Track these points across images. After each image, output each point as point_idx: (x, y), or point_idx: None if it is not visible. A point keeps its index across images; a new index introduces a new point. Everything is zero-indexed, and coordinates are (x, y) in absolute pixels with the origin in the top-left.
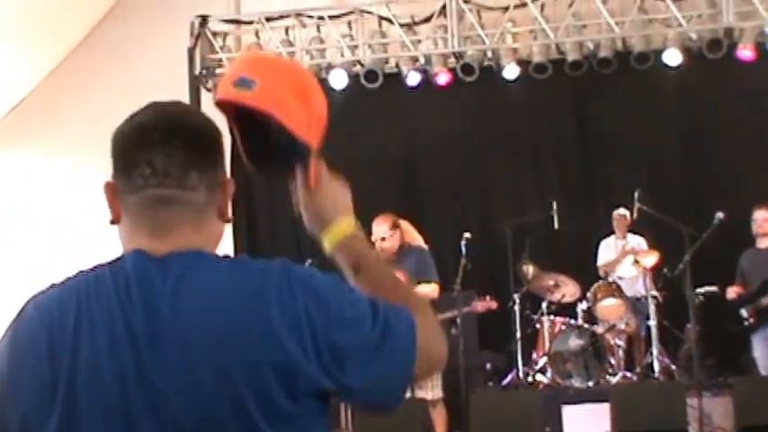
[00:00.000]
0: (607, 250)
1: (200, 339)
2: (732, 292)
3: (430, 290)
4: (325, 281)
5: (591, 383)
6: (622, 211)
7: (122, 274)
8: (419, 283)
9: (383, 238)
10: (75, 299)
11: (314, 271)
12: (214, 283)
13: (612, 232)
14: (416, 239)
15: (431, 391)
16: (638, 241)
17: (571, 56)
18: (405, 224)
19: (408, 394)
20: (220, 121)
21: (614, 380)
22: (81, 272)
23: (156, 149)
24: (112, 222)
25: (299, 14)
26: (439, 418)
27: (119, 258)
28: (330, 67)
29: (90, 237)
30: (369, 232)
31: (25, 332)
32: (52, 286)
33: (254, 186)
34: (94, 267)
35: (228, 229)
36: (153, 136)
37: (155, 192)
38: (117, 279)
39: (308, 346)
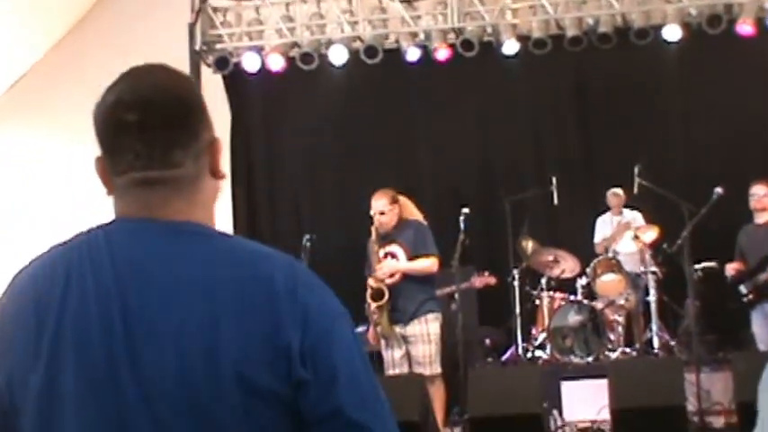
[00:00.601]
0: (603, 226)
1: (194, 306)
2: (731, 269)
3: (429, 263)
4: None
5: (590, 359)
6: (615, 190)
7: (117, 234)
8: (418, 256)
9: (382, 212)
10: (67, 258)
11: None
12: (218, 254)
13: (608, 209)
14: (415, 214)
15: (429, 366)
16: (633, 216)
17: (571, 31)
18: (403, 199)
19: (406, 370)
20: (219, 95)
21: (613, 355)
22: (79, 234)
23: (136, 134)
24: (109, 194)
25: None
26: (437, 393)
27: (112, 222)
28: (330, 42)
29: (87, 213)
30: (368, 207)
31: (15, 295)
32: (52, 248)
33: (254, 166)
34: (90, 229)
35: (228, 212)
36: (129, 119)
37: (140, 175)
38: (111, 238)
39: (301, 336)
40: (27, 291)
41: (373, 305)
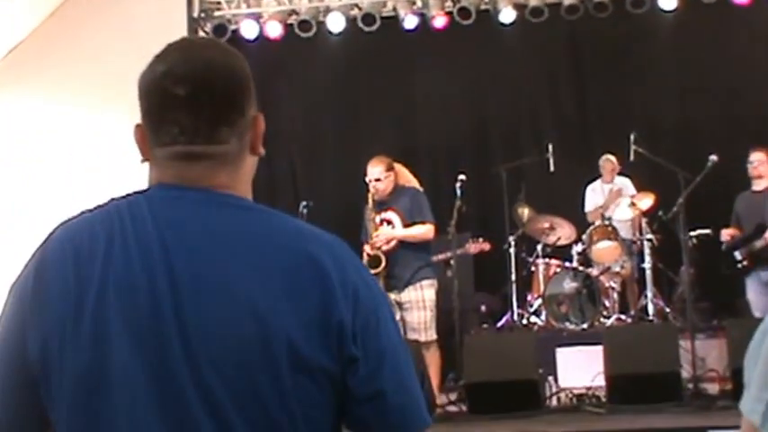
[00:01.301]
0: (593, 195)
1: (243, 275)
2: (726, 235)
3: (425, 230)
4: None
5: (585, 326)
6: (609, 156)
7: (158, 199)
8: (414, 223)
9: (378, 179)
10: (107, 220)
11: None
12: (264, 227)
13: (598, 177)
14: (410, 181)
15: (424, 332)
16: (624, 183)
17: (567, 0)
18: (398, 166)
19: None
20: None
21: (608, 322)
22: (113, 199)
23: (183, 109)
24: (144, 161)
25: None
26: (433, 359)
27: (151, 188)
28: (328, 10)
29: (86, 176)
30: (365, 173)
31: (52, 253)
32: (83, 213)
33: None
34: (127, 195)
35: None
36: (179, 92)
37: (184, 149)
38: (152, 203)
39: (352, 312)
40: (65, 253)
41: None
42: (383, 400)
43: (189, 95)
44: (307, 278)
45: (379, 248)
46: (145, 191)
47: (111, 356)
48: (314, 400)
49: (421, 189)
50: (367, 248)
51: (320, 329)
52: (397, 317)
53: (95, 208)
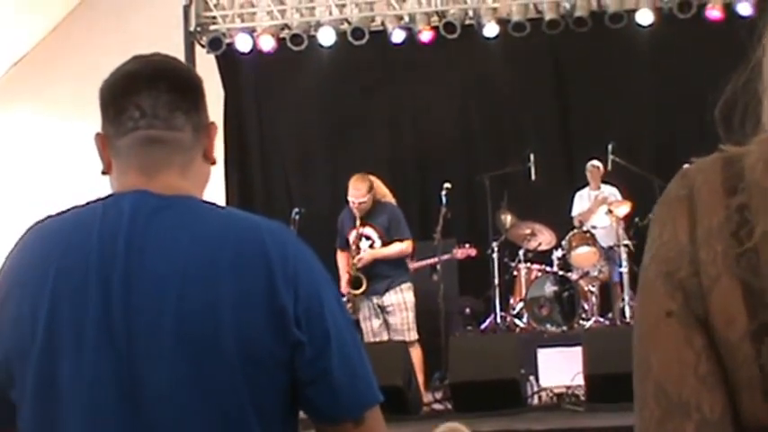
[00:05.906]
0: (581, 201)
1: (195, 266)
2: None
3: (404, 247)
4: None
5: (565, 328)
6: (595, 162)
7: (116, 208)
8: (392, 241)
9: (362, 202)
10: (64, 233)
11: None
12: (213, 220)
13: (587, 184)
14: (386, 195)
15: (407, 333)
16: (611, 191)
17: (548, 15)
18: (375, 181)
19: (386, 338)
20: (212, 75)
21: (587, 324)
22: (75, 207)
23: (143, 93)
24: (104, 173)
25: None
26: (416, 358)
27: (111, 195)
28: (319, 24)
29: (87, 192)
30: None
31: (14, 266)
32: (49, 217)
33: (246, 141)
34: (89, 202)
35: (221, 188)
36: (138, 81)
37: (144, 133)
38: (107, 212)
39: (293, 301)
40: (25, 269)
41: (350, 291)
42: (329, 379)
43: (147, 82)
44: (254, 266)
45: (360, 270)
46: (105, 198)
47: (65, 368)
48: (264, 386)
49: (394, 202)
50: (342, 264)
51: (267, 316)
52: (380, 320)
53: (59, 214)
